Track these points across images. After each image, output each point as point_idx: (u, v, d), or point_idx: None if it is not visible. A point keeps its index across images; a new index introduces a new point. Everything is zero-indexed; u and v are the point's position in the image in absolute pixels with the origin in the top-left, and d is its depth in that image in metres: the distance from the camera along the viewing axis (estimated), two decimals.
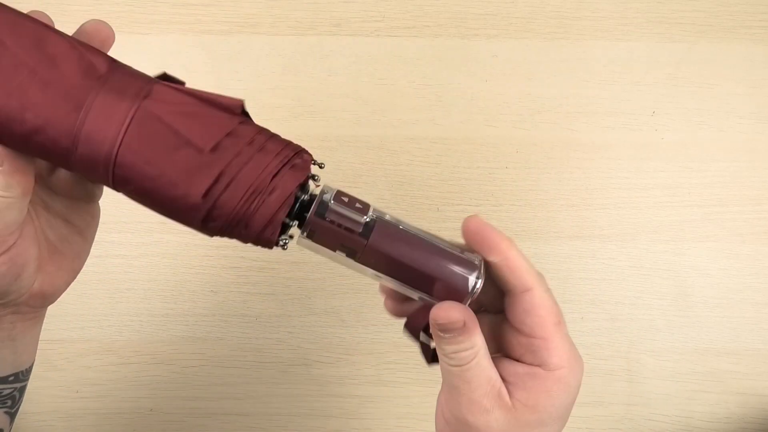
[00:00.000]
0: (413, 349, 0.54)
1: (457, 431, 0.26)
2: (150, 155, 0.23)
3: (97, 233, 0.55)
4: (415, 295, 0.26)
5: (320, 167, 0.26)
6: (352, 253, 0.26)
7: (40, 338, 0.53)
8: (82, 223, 0.29)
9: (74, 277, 0.29)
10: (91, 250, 0.54)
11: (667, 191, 0.56)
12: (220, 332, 0.54)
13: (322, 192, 0.25)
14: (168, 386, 0.53)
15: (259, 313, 0.54)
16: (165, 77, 0.25)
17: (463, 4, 0.58)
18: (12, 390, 0.29)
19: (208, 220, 0.24)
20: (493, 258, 0.26)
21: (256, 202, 0.23)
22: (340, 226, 0.25)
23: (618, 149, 0.56)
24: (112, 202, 0.54)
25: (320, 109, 0.56)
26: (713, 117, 0.57)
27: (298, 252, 0.54)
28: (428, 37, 0.57)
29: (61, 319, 0.53)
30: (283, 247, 0.25)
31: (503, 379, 0.26)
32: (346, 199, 0.25)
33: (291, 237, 0.26)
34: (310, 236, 0.25)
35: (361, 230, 0.25)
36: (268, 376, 0.53)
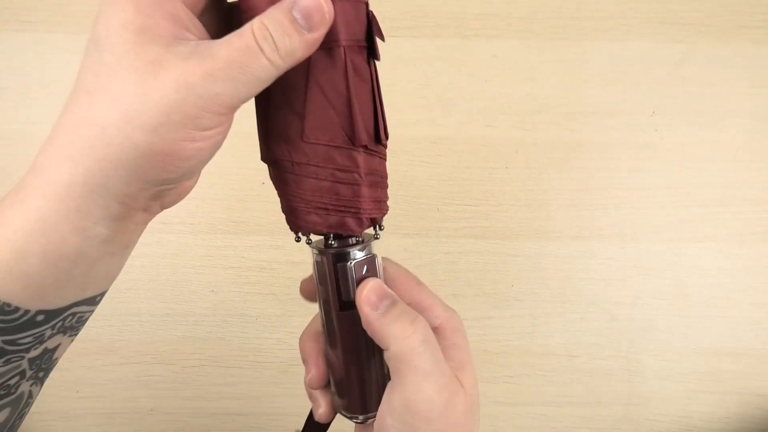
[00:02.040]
0: None
1: (424, 419, 0.25)
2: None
3: None
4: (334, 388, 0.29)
5: (380, 228, 0.27)
6: (325, 304, 0.28)
7: None
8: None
9: (197, 180, 0.27)
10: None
11: (667, 191, 0.56)
12: (221, 332, 0.54)
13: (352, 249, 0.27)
14: (168, 386, 0.53)
15: (259, 313, 0.54)
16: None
17: (463, 4, 0.58)
18: (91, 314, 0.25)
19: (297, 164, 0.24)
20: None
21: (326, 208, 0.25)
22: (337, 281, 0.26)
23: (618, 149, 0.56)
24: None
25: None
26: (713, 117, 0.57)
27: (298, 252, 0.54)
28: (428, 37, 0.57)
29: None
30: (297, 240, 0.27)
31: None
32: (362, 270, 0.26)
33: (310, 242, 0.27)
34: (318, 259, 0.27)
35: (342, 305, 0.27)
36: (268, 376, 0.53)
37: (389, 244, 0.55)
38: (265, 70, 0.20)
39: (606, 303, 0.55)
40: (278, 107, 0.24)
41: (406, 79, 0.57)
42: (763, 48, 0.57)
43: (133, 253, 0.59)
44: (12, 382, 0.22)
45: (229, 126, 0.21)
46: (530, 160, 0.56)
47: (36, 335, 0.22)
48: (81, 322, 0.24)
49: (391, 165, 0.60)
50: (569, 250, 0.55)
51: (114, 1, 0.19)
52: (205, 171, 0.26)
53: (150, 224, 0.56)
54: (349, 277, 0.26)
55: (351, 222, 0.25)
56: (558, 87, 0.57)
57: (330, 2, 0.20)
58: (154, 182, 0.21)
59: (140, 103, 0.18)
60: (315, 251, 0.27)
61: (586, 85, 0.57)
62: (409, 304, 0.26)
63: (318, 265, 0.27)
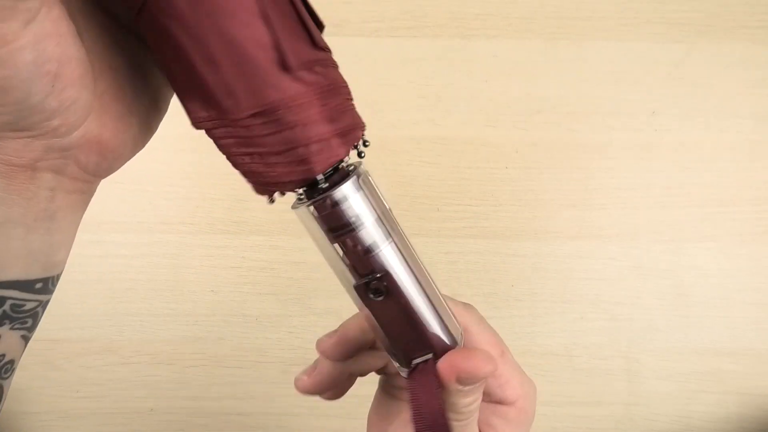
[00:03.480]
0: None
1: None
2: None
3: (97, 233, 0.55)
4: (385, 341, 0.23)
5: (360, 155, 0.21)
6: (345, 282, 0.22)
7: (41, 338, 0.53)
8: (158, 78, 0.22)
9: (138, 143, 0.23)
10: (91, 251, 0.55)
11: (667, 191, 0.56)
12: (221, 332, 0.54)
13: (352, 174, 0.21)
14: (168, 386, 0.53)
15: (259, 313, 0.54)
16: None
17: (463, 4, 0.58)
18: (37, 304, 0.21)
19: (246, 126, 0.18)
20: None
21: (274, 160, 0.19)
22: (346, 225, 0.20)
23: (618, 149, 0.56)
24: (112, 202, 0.55)
25: None
26: (713, 117, 0.57)
27: (298, 252, 0.54)
28: (428, 37, 0.57)
29: (61, 319, 0.53)
30: (271, 201, 0.21)
31: None
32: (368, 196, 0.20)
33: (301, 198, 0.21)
34: (316, 211, 0.20)
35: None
36: (268, 376, 0.53)
37: None
38: None
39: (606, 303, 0.55)
40: (178, 60, 0.18)
41: (406, 79, 0.57)
42: (763, 48, 0.57)
43: (133, 253, 0.59)
44: None
45: (39, 35, 0.16)
46: (530, 160, 0.56)
47: None
48: (22, 312, 0.20)
49: (391, 165, 0.60)
50: (569, 250, 0.55)
51: None
52: (205, 171, 0.25)
53: (150, 224, 0.57)
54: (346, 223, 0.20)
55: (321, 155, 0.19)
56: (558, 87, 0.57)
57: None
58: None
59: None
60: (309, 205, 0.20)
61: (586, 85, 0.57)
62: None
63: (314, 231, 0.21)
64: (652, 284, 0.55)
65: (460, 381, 0.22)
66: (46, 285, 0.21)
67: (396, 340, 0.22)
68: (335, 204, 0.20)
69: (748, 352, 0.54)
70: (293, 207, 0.21)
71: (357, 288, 0.21)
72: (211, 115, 0.18)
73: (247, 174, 0.20)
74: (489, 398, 0.26)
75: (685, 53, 0.57)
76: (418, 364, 0.22)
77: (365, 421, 0.56)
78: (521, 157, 0.56)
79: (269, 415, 0.53)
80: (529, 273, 0.55)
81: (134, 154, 0.22)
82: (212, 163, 0.55)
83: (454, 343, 0.22)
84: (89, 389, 0.53)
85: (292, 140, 0.18)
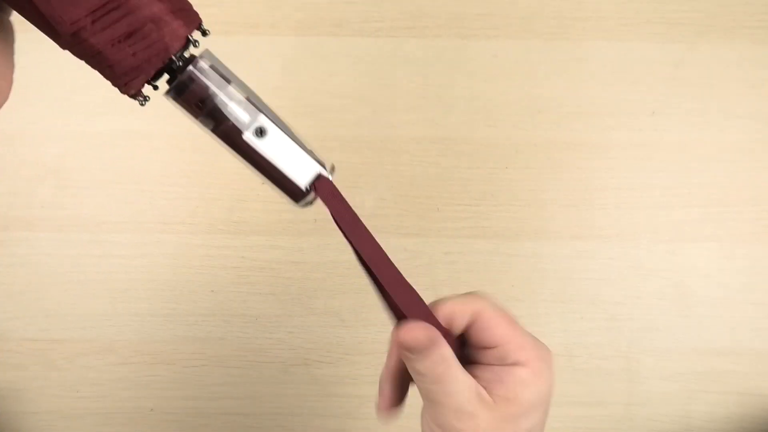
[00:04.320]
0: None
1: None
2: None
3: (97, 233, 0.55)
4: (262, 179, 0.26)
5: (204, 34, 0.24)
6: (215, 129, 0.24)
7: (41, 338, 0.53)
8: None
9: (2, 95, 0.24)
10: (91, 251, 0.55)
11: (667, 191, 0.56)
12: (221, 332, 0.54)
13: (198, 58, 0.23)
14: (168, 386, 0.53)
15: (259, 313, 0.54)
16: None
17: (463, 4, 0.58)
18: None
19: (75, 43, 0.22)
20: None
21: (127, 47, 0.21)
22: (204, 103, 0.23)
23: (618, 149, 0.56)
24: (111, 202, 0.55)
25: (320, 109, 0.56)
26: (713, 117, 0.57)
27: (298, 252, 0.54)
28: (428, 37, 0.57)
29: (61, 319, 0.53)
30: (141, 103, 0.23)
31: (479, 381, 0.27)
32: (218, 73, 0.23)
33: (156, 88, 0.23)
34: (176, 98, 0.23)
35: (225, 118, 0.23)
36: (268, 376, 0.53)
37: (389, 244, 0.55)
38: None
39: (606, 303, 0.55)
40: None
41: (406, 79, 0.57)
42: (763, 48, 0.57)
43: (133, 253, 0.59)
44: None
45: None
46: (530, 160, 0.56)
47: None
48: None
49: (391, 165, 0.60)
50: (569, 250, 0.55)
51: None
52: (205, 171, 0.26)
53: (150, 224, 0.57)
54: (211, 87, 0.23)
55: (166, 43, 0.21)
56: (558, 87, 0.57)
57: None
58: None
59: None
60: (170, 94, 0.23)
61: (586, 85, 0.57)
62: (496, 347, 0.27)
63: (183, 102, 0.23)
64: (652, 284, 0.55)
65: (406, 349, 0.26)
66: None
67: (277, 177, 0.25)
68: (190, 82, 0.22)
69: (748, 352, 0.54)
70: (165, 94, 0.23)
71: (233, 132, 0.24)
72: (74, 18, 0.20)
73: (115, 66, 0.22)
74: (503, 362, 0.27)
75: (685, 53, 0.57)
76: None
77: (365, 421, 0.56)
78: (521, 157, 0.56)
79: (269, 415, 0.53)
80: (529, 273, 0.55)
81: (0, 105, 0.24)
82: (212, 163, 0.55)
83: (322, 164, 0.25)
84: (89, 389, 0.53)
85: (136, 23, 0.21)
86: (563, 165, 0.56)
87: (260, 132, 0.24)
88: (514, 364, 0.27)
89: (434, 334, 0.26)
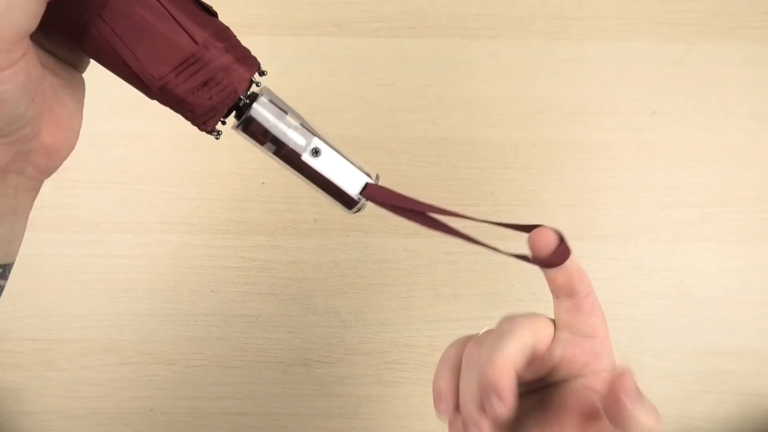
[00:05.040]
0: (413, 349, 0.54)
1: None
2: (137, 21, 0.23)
3: (97, 233, 0.55)
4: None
5: (262, 74, 0.28)
6: (278, 153, 0.28)
7: (41, 338, 0.53)
8: (74, 85, 0.28)
9: (72, 145, 0.27)
10: (91, 251, 0.55)
11: (667, 191, 0.56)
12: (221, 332, 0.54)
13: (260, 95, 0.28)
14: (168, 386, 0.53)
15: (259, 313, 0.54)
16: None
17: (463, 4, 0.58)
18: None
19: (162, 94, 0.25)
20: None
21: (204, 93, 0.25)
22: (267, 133, 0.28)
23: (618, 149, 0.56)
24: (111, 202, 0.55)
25: (320, 109, 0.56)
26: (713, 117, 0.57)
27: (298, 252, 0.54)
28: (428, 38, 0.57)
29: (61, 319, 0.53)
30: (216, 137, 0.27)
31: None
32: (279, 108, 0.28)
33: (224, 123, 0.27)
34: (244, 131, 0.27)
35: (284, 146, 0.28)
36: (268, 376, 0.53)
37: (389, 244, 0.55)
38: None
39: (606, 303, 0.54)
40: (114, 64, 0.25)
41: (406, 79, 0.57)
42: (763, 48, 0.57)
43: (133, 253, 0.59)
44: None
45: (27, 64, 0.21)
46: (530, 160, 0.56)
47: None
48: None
49: (391, 165, 0.60)
50: None
51: None
52: (205, 171, 0.26)
53: (150, 224, 0.57)
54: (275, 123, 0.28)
55: (235, 76, 0.26)
56: (558, 87, 0.57)
57: None
58: None
59: None
60: (238, 126, 0.27)
61: (586, 85, 0.57)
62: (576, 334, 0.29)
63: (251, 133, 0.28)
64: (652, 284, 0.55)
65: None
66: (4, 271, 0.25)
67: (332, 191, 0.29)
68: (255, 118, 0.27)
69: (748, 352, 0.54)
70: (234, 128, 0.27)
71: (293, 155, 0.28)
72: (161, 73, 0.24)
73: (195, 110, 0.26)
74: (580, 333, 0.29)
75: (685, 53, 0.57)
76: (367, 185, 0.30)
77: (365, 422, 0.56)
78: (521, 157, 0.56)
79: (269, 415, 0.53)
80: (529, 273, 0.55)
81: (70, 153, 0.27)
82: (212, 163, 0.55)
83: (368, 174, 0.30)
84: (89, 389, 0.53)
85: (210, 73, 0.25)
86: (563, 165, 0.56)
87: (315, 152, 0.29)
88: (589, 336, 0.30)
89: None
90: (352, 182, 0.30)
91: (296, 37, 0.57)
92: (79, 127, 0.28)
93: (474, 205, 0.55)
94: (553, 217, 0.55)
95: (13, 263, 0.26)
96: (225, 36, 0.25)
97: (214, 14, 0.26)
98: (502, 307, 0.54)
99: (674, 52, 0.57)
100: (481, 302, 0.54)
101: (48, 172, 0.26)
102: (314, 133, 0.29)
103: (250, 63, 0.26)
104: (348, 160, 0.29)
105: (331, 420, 0.53)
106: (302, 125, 0.29)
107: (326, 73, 0.57)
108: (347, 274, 0.54)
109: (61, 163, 0.27)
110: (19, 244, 0.26)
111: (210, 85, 0.25)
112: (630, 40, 0.57)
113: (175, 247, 0.54)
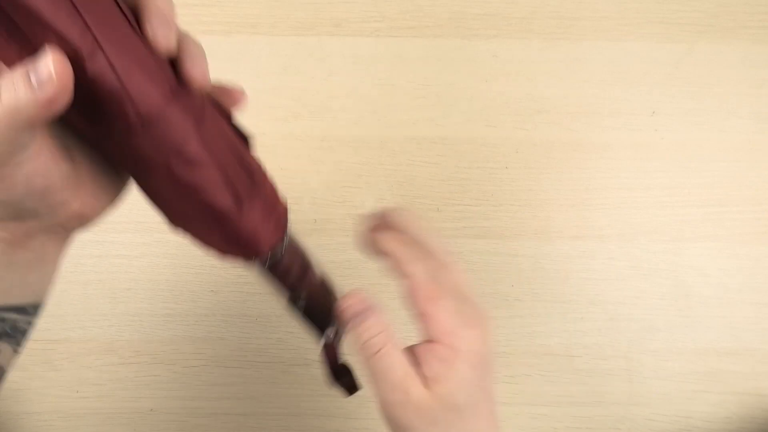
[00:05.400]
0: None
1: (391, 417, 0.28)
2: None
3: (97, 233, 0.55)
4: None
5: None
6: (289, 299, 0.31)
7: (41, 338, 0.53)
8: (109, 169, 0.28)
9: (115, 204, 0.29)
10: (91, 251, 0.55)
11: (667, 191, 0.56)
12: (221, 332, 0.54)
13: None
14: (168, 386, 0.53)
15: (260, 313, 0.54)
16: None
17: (463, 4, 0.58)
18: (28, 325, 0.27)
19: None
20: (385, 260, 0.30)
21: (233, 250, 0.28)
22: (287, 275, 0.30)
23: (618, 149, 0.56)
24: None
25: (320, 109, 0.56)
26: (713, 117, 0.57)
27: None
28: (428, 38, 0.57)
29: (61, 319, 0.53)
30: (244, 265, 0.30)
31: (414, 362, 0.28)
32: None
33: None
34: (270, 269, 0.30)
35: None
36: (268, 376, 0.53)
37: None
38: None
39: (606, 303, 0.55)
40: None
41: (406, 79, 0.57)
42: (763, 48, 0.57)
43: (133, 253, 0.59)
44: None
45: (35, 159, 0.22)
46: (530, 160, 0.56)
47: None
48: (18, 331, 0.26)
49: (391, 165, 0.60)
50: (569, 250, 0.55)
51: None
52: None
53: (150, 224, 0.57)
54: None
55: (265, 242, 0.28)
56: (558, 87, 0.57)
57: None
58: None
59: None
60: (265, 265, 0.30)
61: (586, 85, 0.57)
62: (419, 314, 0.29)
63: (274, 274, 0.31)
64: (652, 284, 0.55)
65: (349, 316, 0.29)
66: (36, 309, 0.27)
67: (317, 326, 0.32)
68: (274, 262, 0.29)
69: (748, 352, 0.54)
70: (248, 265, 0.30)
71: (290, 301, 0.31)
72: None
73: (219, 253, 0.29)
74: (423, 336, 0.29)
75: (685, 53, 0.58)
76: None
77: (365, 421, 0.56)
78: (521, 157, 0.56)
79: (269, 415, 0.53)
80: (529, 273, 0.55)
81: (103, 215, 0.28)
82: None
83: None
84: (89, 389, 0.53)
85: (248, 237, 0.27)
86: (563, 165, 0.56)
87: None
88: (431, 341, 0.28)
89: (373, 304, 0.29)
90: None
91: (296, 37, 0.57)
92: (124, 188, 0.29)
93: (474, 205, 0.55)
94: (553, 217, 0.55)
95: (44, 303, 0.27)
96: (258, 188, 0.26)
97: (249, 138, 0.27)
98: (502, 307, 0.54)
99: (674, 52, 0.57)
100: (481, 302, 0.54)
101: (84, 227, 0.27)
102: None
103: (281, 222, 0.28)
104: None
105: (331, 420, 0.53)
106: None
107: (326, 73, 0.57)
108: (347, 274, 0.54)
109: (93, 223, 0.27)
110: (51, 285, 0.27)
111: (239, 244, 0.27)
112: (630, 40, 0.57)
113: (175, 247, 0.54)
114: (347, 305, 0.29)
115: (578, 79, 0.57)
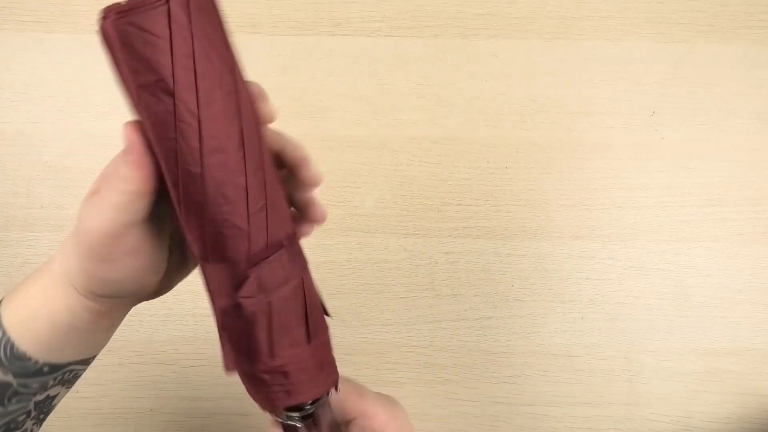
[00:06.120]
0: (413, 349, 0.54)
1: None
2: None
3: None
4: None
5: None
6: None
7: None
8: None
9: (174, 286, 0.32)
10: None
11: (667, 191, 0.56)
12: None
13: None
14: (168, 386, 0.53)
15: None
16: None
17: (463, 4, 0.58)
18: (83, 371, 0.31)
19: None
20: None
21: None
22: None
23: (618, 149, 0.56)
24: None
25: (320, 109, 0.56)
26: (713, 117, 0.57)
27: None
28: (428, 37, 0.57)
29: None
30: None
31: None
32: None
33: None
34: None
35: None
36: None
37: (389, 243, 0.55)
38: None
39: (606, 303, 0.55)
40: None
41: (406, 79, 0.57)
42: (763, 48, 0.57)
43: None
44: (20, 419, 0.29)
45: (138, 260, 0.26)
46: (530, 160, 0.56)
47: (42, 383, 0.29)
48: (76, 377, 0.31)
49: (391, 165, 0.60)
50: (569, 250, 0.55)
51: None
52: None
53: None
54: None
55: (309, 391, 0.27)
56: (558, 87, 0.57)
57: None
58: (98, 291, 0.27)
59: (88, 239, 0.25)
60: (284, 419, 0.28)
61: (586, 85, 0.57)
62: (357, 417, 0.29)
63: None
64: (652, 284, 0.55)
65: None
66: (94, 358, 0.31)
67: None
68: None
69: (748, 352, 0.54)
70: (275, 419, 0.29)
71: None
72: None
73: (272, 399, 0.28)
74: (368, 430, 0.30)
75: (685, 53, 0.57)
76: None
77: None
78: (521, 157, 0.56)
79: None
80: (529, 273, 0.55)
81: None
82: None
83: None
84: (89, 389, 0.53)
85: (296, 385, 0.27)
86: (563, 165, 0.56)
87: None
88: (377, 429, 0.29)
89: None
90: None
91: (296, 37, 0.57)
92: (185, 276, 0.32)
93: (474, 205, 0.55)
94: (553, 217, 0.55)
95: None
96: (324, 350, 0.27)
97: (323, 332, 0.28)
98: (502, 307, 0.54)
99: (674, 52, 0.57)
100: (481, 302, 0.54)
101: (148, 300, 0.31)
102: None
103: (332, 378, 0.28)
104: None
105: None
106: None
107: (326, 73, 0.57)
108: (347, 274, 0.54)
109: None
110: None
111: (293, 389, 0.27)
112: (630, 40, 0.57)
113: None
114: None
115: (578, 79, 0.57)
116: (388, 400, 0.30)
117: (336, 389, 0.28)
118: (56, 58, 0.56)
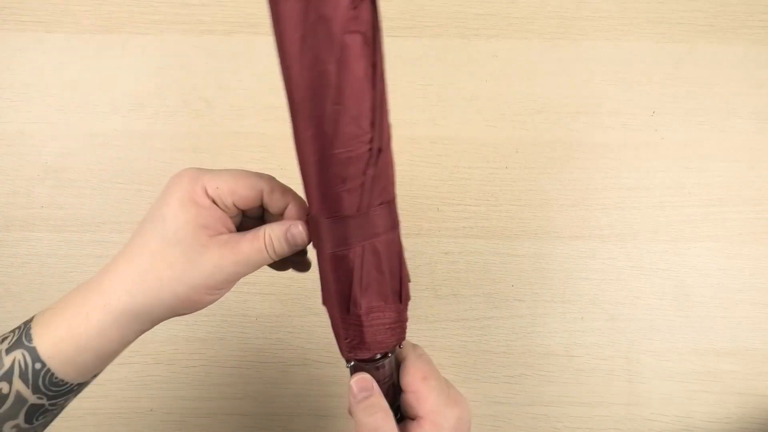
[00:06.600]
0: None
1: None
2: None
3: (97, 233, 0.55)
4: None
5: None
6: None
7: None
8: None
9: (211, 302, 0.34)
10: (92, 251, 0.55)
11: (667, 191, 0.56)
12: (221, 332, 0.54)
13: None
14: (168, 386, 0.53)
15: (260, 313, 0.54)
16: None
17: (463, 4, 0.58)
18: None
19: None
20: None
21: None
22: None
23: (618, 149, 0.56)
24: (111, 202, 0.55)
25: None
26: (713, 117, 0.57)
27: None
28: (428, 37, 0.57)
29: None
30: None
31: None
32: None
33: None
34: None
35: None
36: (268, 376, 0.53)
37: None
38: (265, 262, 0.31)
39: (606, 303, 0.55)
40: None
41: (406, 79, 0.57)
42: (763, 48, 0.57)
43: None
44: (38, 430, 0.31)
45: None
46: (530, 160, 0.56)
47: (69, 398, 0.31)
48: (83, 388, 0.33)
49: None
50: (569, 250, 0.55)
51: (184, 204, 0.29)
52: None
53: None
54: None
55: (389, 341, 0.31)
56: (558, 87, 0.57)
57: (306, 233, 0.31)
58: (177, 315, 0.31)
59: (189, 270, 0.29)
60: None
61: (586, 85, 0.57)
62: (411, 392, 0.31)
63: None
64: (652, 284, 0.55)
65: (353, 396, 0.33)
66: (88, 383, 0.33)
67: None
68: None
69: (748, 352, 0.54)
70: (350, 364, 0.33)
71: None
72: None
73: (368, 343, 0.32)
74: (411, 412, 0.31)
75: (685, 53, 0.58)
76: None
77: None
78: (521, 157, 0.56)
79: (269, 416, 0.53)
80: (529, 273, 0.55)
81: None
82: (211, 163, 0.55)
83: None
84: (89, 389, 0.53)
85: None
86: (563, 165, 0.56)
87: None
88: (415, 417, 0.31)
89: (371, 386, 0.32)
90: None
91: None
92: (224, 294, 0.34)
93: (474, 205, 0.55)
94: (553, 217, 0.55)
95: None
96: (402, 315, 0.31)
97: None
98: (502, 307, 0.54)
99: (674, 52, 0.57)
100: (481, 302, 0.54)
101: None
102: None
103: (402, 334, 0.32)
104: None
105: (331, 420, 0.53)
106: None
107: None
108: None
109: None
110: None
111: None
112: (630, 40, 0.57)
113: None
114: (356, 380, 0.32)
115: (578, 79, 0.57)
116: (449, 397, 0.31)
117: (400, 347, 0.32)
118: (56, 58, 0.56)
